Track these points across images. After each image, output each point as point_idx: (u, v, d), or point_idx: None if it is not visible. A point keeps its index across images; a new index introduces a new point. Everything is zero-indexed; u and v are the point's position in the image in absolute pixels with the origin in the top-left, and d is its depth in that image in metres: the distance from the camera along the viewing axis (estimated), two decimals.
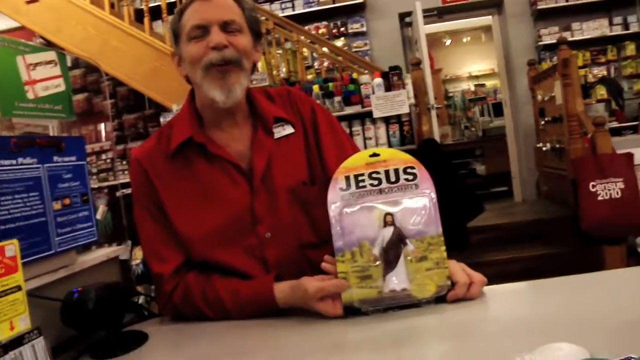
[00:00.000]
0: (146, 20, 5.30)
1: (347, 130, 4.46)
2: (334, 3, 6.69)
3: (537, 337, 0.92)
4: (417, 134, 4.49)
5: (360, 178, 1.25)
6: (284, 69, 5.74)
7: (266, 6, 6.58)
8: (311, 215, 1.42)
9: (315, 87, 4.53)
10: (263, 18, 5.36)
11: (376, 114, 4.37)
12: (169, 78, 4.90)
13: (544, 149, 5.64)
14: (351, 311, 1.19)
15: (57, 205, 1.23)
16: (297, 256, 1.41)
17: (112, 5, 5.54)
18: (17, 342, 0.94)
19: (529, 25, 6.70)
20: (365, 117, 4.50)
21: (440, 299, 1.19)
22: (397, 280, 1.18)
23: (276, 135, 1.45)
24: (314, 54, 6.13)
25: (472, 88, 10.98)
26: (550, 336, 0.90)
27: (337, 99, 4.49)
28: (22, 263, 0.99)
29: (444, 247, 1.20)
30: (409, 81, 4.47)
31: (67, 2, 5.36)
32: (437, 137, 4.99)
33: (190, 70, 1.40)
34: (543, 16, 6.58)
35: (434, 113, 5.17)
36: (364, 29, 6.81)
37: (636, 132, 5.42)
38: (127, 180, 1.84)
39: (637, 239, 3.94)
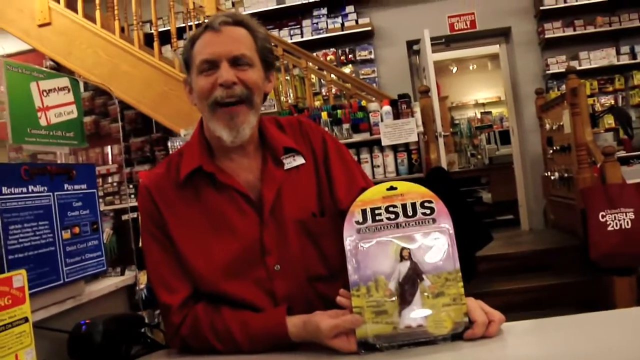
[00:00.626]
0: (156, 44, 5.33)
1: (356, 158, 4.44)
2: (342, 30, 6.73)
3: None
4: (426, 162, 4.47)
5: (377, 212, 1.23)
6: (291, 95, 5.75)
7: (275, 32, 6.63)
8: (321, 247, 1.40)
9: (324, 114, 4.53)
10: (272, 45, 5.37)
11: (385, 142, 4.36)
12: (177, 102, 4.92)
13: (552, 177, 5.62)
14: (365, 347, 1.15)
15: (66, 234, 1.20)
16: (306, 289, 1.38)
17: (122, 30, 5.59)
18: None
19: (536, 54, 6.72)
20: (373, 144, 4.50)
21: (456, 336, 1.15)
22: (413, 316, 1.15)
23: (286, 166, 1.43)
24: (322, 81, 6.14)
25: (479, 116, 10.98)
26: None
27: (346, 126, 4.49)
28: (29, 294, 0.96)
29: (461, 283, 1.17)
30: (417, 109, 4.47)
31: (77, 26, 5.40)
32: (444, 165, 4.97)
33: (199, 103, 1.39)
34: (550, 45, 6.60)
35: (441, 141, 5.16)
36: (372, 56, 6.84)
37: None
38: (134, 203, 1.83)
39: None
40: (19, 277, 0.94)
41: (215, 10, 5.26)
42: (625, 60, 6.53)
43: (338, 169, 1.47)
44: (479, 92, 11.09)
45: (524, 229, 6.83)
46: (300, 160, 1.45)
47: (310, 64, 5.45)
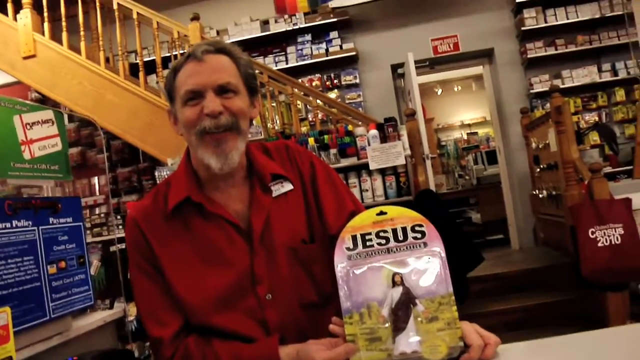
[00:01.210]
0: (141, 74, 5.33)
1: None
2: (327, 56, 6.77)
3: None
4: (414, 185, 4.47)
5: (367, 237, 1.21)
6: (278, 122, 5.76)
7: (260, 59, 6.66)
8: (312, 274, 1.38)
9: (311, 140, 4.53)
10: (257, 72, 5.39)
11: (372, 166, 4.36)
12: (163, 132, 4.90)
13: (540, 196, 5.64)
14: None
15: (52, 269, 1.18)
16: (299, 317, 1.36)
17: (107, 60, 5.60)
18: None
19: (519, 74, 6.79)
20: (361, 169, 4.50)
21: None
22: (407, 342, 1.13)
23: (275, 193, 1.42)
24: (308, 106, 6.17)
25: (465, 136, 11.05)
26: None
27: (333, 151, 4.49)
28: (14, 331, 0.93)
29: (455, 307, 1.16)
30: (404, 132, 4.48)
31: (62, 57, 5.40)
32: (432, 187, 4.98)
33: (185, 133, 1.37)
34: (533, 64, 6.69)
35: (429, 163, 5.18)
36: (357, 80, 6.88)
37: (631, 176, 5.43)
38: (122, 234, 1.80)
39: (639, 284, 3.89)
40: (3, 315, 0.92)
41: (200, 39, 5.28)
42: (607, 77, 6.62)
43: (327, 193, 1.46)
44: (464, 113, 11.17)
45: (514, 247, 6.84)
46: (288, 187, 1.43)
47: (296, 90, 5.47)
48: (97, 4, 5.52)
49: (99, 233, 5.52)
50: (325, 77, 6.96)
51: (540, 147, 5.54)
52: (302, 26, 6.83)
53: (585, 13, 6.54)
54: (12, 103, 1.24)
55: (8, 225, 1.08)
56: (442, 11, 6.85)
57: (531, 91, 6.63)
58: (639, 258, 3.93)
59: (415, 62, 5.80)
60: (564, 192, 4.69)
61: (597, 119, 6.72)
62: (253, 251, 1.35)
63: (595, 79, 6.62)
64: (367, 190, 4.43)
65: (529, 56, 6.54)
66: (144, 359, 1.50)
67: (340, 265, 1.19)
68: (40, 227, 1.16)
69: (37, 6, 5.57)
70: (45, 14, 5.49)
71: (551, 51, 6.57)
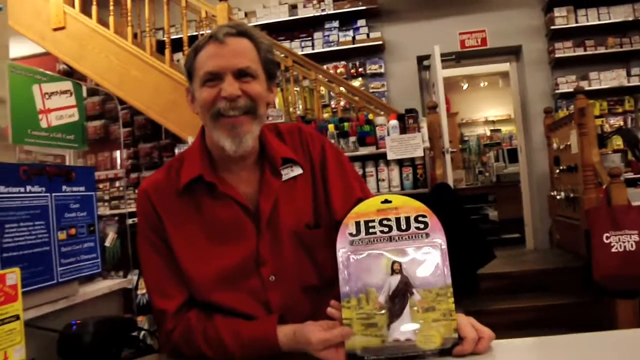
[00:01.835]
0: (167, 52, 5.38)
1: (361, 171, 4.47)
2: (353, 43, 6.76)
3: None
4: (431, 178, 4.47)
5: (370, 224, 1.23)
6: (300, 107, 5.78)
7: (286, 44, 6.67)
8: (315, 258, 1.40)
9: (331, 127, 4.54)
10: (282, 55, 5.42)
11: (390, 156, 4.37)
12: (185, 110, 4.92)
13: (557, 197, 5.60)
14: (354, 359, 1.15)
15: (62, 235, 1.22)
16: (300, 299, 1.39)
17: (134, 36, 5.65)
18: None
19: (546, 73, 6.72)
20: (379, 158, 4.50)
21: (445, 352, 1.15)
22: (402, 330, 1.15)
23: (284, 177, 1.43)
24: (331, 93, 6.17)
25: (488, 133, 10.98)
26: None
27: (352, 139, 4.51)
28: (22, 292, 0.97)
29: (452, 299, 1.17)
30: (424, 124, 4.47)
31: (91, 31, 5.47)
32: (450, 182, 4.97)
33: (201, 113, 1.39)
34: (561, 65, 6.61)
35: (448, 157, 5.16)
36: (382, 70, 6.87)
37: None
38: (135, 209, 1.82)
39: None
40: (13, 275, 0.95)
41: (227, 20, 5.31)
42: (635, 81, 6.52)
43: (335, 180, 1.47)
44: (489, 110, 11.10)
45: (529, 247, 6.81)
46: (298, 171, 1.45)
47: (320, 76, 5.48)
48: None
49: (116, 206, 5.59)
50: (350, 64, 6.95)
51: (561, 148, 5.49)
52: (330, 12, 6.83)
53: (618, 15, 6.43)
54: (32, 72, 1.27)
55: (22, 190, 1.12)
56: (472, 5, 6.78)
57: (556, 91, 6.56)
58: None
59: (442, 55, 5.76)
60: (581, 195, 4.66)
61: (622, 123, 6.63)
62: (259, 233, 1.37)
63: (623, 82, 6.52)
64: (383, 180, 4.44)
65: (556, 56, 6.46)
66: (152, 332, 1.54)
67: (342, 250, 1.21)
68: (53, 194, 1.20)
69: None
70: None
71: (580, 52, 6.48)
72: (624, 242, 3.94)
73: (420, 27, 6.83)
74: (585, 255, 4.25)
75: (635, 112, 6.69)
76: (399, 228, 1.23)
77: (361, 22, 6.83)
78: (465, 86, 10.97)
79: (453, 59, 6.93)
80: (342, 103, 5.87)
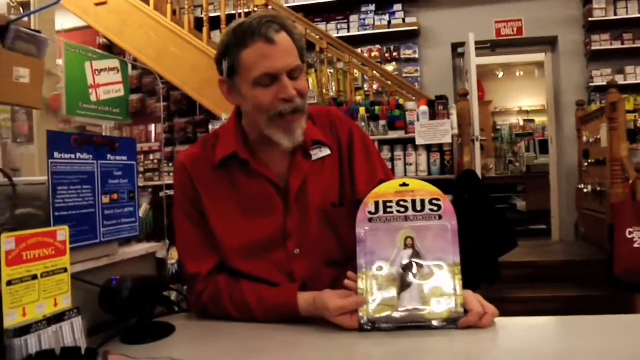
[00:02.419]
0: (205, 29, 5.48)
1: (389, 155, 4.53)
2: (388, 28, 6.80)
3: None
4: (458, 164, 4.52)
5: (388, 204, 1.33)
6: (334, 88, 5.85)
7: (322, 25, 6.72)
8: (338, 234, 1.50)
9: (362, 109, 4.61)
10: (317, 37, 5.49)
11: (418, 141, 4.43)
12: None
13: (584, 190, 5.61)
14: (366, 325, 1.26)
15: (105, 199, 1.33)
16: (322, 272, 1.49)
17: (173, 12, 5.77)
18: (58, 317, 1.04)
19: (581, 65, 6.67)
20: (407, 142, 4.57)
21: (450, 323, 1.25)
22: (410, 299, 1.25)
23: (313, 157, 1.52)
24: (365, 76, 6.23)
25: (521, 122, 10.90)
26: None
27: (382, 122, 4.57)
28: (70, 248, 1.09)
29: (459, 276, 1.26)
30: (453, 111, 4.52)
31: (131, 6, 5.60)
32: (478, 169, 5.01)
33: (253, 113, 1.43)
34: (596, 57, 6.54)
35: (477, 145, 5.20)
36: (416, 55, 6.89)
37: None
38: (171, 181, 1.94)
39: None
40: (62, 232, 1.07)
41: (265, 0, 5.39)
42: None
43: (361, 162, 1.55)
44: (523, 99, 11.00)
45: (554, 239, 6.82)
46: (326, 152, 1.54)
47: (354, 59, 5.54)
48: None
49: (150, 178, 5.77)
50: (384, 48, 6.98)
51: (590, 141, 5.49)
52: None
53: None
54: (85, 50, 1.38)
55: (72, 156, 1.23)
56: None
57: (590, 84, 6.51)
58: None
59: (476, 42, 5.78)
60: (608, 188, 4.67)
61: None
62: (288, 209, 1.47)
63: None
64: (410, 164, 4.51)
65: (592, 48, 6.40)
66: (181, 299, 1.65)
67: (361, 225, 1.32)
68: (99, 161, 1.31)
69: None
70: None
71: (617, 45, 6.40)
72: None
73: (456, 14, 6.82)
74: (608, 248, 4.27)
75: None
76: (414, 209, 1.32)
77: (397, 7, 6.85)
78: (500, 74, 10.88)
79: (488, 47, 6.92)
80: (374, 86, 5.93)
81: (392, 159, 4.53)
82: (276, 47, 1.36)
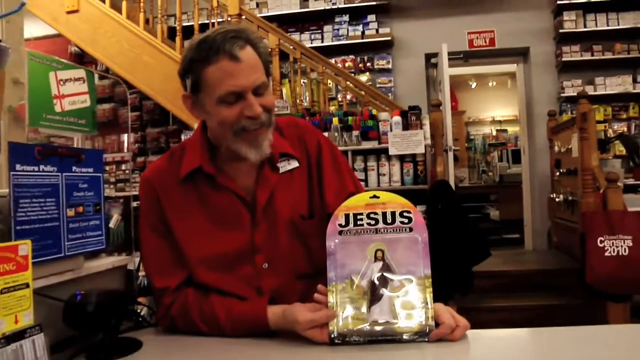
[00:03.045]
0: (178, 39, 5.45)
1: (362, 165, 4.54)
2: (362, 38, 6.82)
3: None
4: (431, 175, 4.54)
5: (359, 217, 1.32)
6: (307, 99, 5.85)
7: (296, 35, 6.73)
8: (308, 247, 1.48)
9: (335, 120, 4.62)
10: (291, 47, 5.48)
11: (392, 151, 4.43)
12: None
13: (557, 199, 5.67)
14: (336, 339, 1.24)
15: (70, 212, 1.30)
16: (291, 285, 1.47)
17: (147, 22, 5.72)
18: (19, 335, 1.01)
19: (552, 76, 6.76)
20: (381, 153, 4.57)
21: (422, 337, 1.24)
22: (381, 313, 1.24)
23: (281, 170, 1.51)
24: (338, 86, 6.24)
25: (494, 133, 11.01)
26: None
27: (355, 133, 4.57)
28: (32, 262, 1.06)
29: (430, 289, 1.26)
30: (427, 122, 4.54)
31: (104, 15, 5.54)
32: (451, 179, 5.04)
33: (218, 129, 1.41)
34: (567, 68, 6.64)
35: (450, 155, 5.22)
36: (390, 66, 6.92)
37: None
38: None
39: None
40: (24, 247, 1.04)
41: (239, 10, 5.37)
42: None
43: (330, 174, 1.54)
44: (496, 110, 11.10)
45: (528, 248, 6.88)
46: (294, 164, 1.53)
47: (328, 69, 5.54)
48: None
49: (122, 188, 5.68)
50: (358, 59, 7.00)
51: (562, 151, 5.55)
52: (340, 6, 6.86)
53: (627, 21, 6.43)
54: (49, 60, 1.35)
55: (36, 168, 1.20)
56: (482, 5, 6.81)
57: (562, 95, 6.60)
58: None
59: (450, 53, 5.82)
60: (580, 198, 4.72)
61: (625, 129, 6.67)
62: (255, 222, 1.46)
63: (629, 89, 6.55)
64: (384, 175, 4.51)
65: (564, 59, 6.49)
66: (152, 313, 1.62)
67: (331, 238, 1.31)
68: (64, 173, 1.28)
69: None
70: None
71: (587, 56, 6.51)
72: (617, 247, 4.01)
73: (429, 25, 6.87)
74: (580, 257, 4.32)
75: (639, 118, 6.73)
76: (385, 221, 1.32)
77: (371, 17, 6.87)
78: (473, 85, 10.99)
79: (461, 57, 6.98)
80: (348, 97, 5.94)
81: (365, 170, 4.54)
82: (241, 65, 1.33)
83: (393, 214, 1.32)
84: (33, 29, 6.06)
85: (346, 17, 6.91)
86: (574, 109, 6.42)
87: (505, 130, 10.99)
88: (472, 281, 4.22)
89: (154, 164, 1.55)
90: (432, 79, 7.04)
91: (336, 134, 4.54)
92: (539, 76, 6.78)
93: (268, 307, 1.36)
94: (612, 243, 4.02)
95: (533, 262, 5.97)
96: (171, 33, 5.90)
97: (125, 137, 6.85)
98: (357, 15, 6.94)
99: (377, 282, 1.26)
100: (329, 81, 5.86)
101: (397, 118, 4.49)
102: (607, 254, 4.02)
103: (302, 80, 5.79)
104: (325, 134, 4.28)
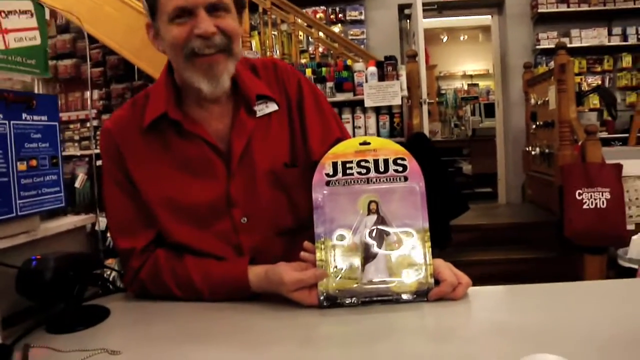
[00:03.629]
0: None
1: None
2: None
3: (521, 345, 0.87)
4: (407, 127, 4.45)
5: (348, 165, 1.19)
6: (278, 51, 5.65)
7: None
8: (291, 199, 1.35)
9: (308, 71, 4.49)
10: None
11: (367, 103, 4.34)
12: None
13: (532, 153, 5.62)
14: (327, 301, 1.12)
15: (22, 166, 1.15)
16: (273, 242, 1.34)
17: None
18: None
19: (528, 28, 6.67)
20: (356, 105, 4.47)
21: (420, 296, 1.13)
22: (376, 271, 1.12)
23: (259, 114, 1.35)
24: (310, 38, 6.04)
25: (465, 87, 10.96)
26: (535, 345, 0.85)
27: (330, 84, 4.46)
28: None
29: (429, 243, 1.14)
30: (403, 72, 4.42)
31: None
32: (426, 132, 4.94)
33: (171, 53, 1.28)
34: (543, 20, 6.55)
35: (425, 108, 5.12)
36: (362, 17, 6.74)
37: (626, 143, 5.41)
38: None
39: (618, 250, 3.92)
40: None
41: None
42: (616, 41, 6.52)
43: (313, 118, 1.40)
44: (467, 64, 11.06)
45: (501, 202, 6.88)
46: (273, 107, 1.38)
47: (299, 20, 5.34)
48: None
49: (87, 147, 5.49)
50: (330, 10, 6.79)
51: (538, 103, 5.48)
52: None
53: None
54: None
55: None
56: None
57: (537, 47, 6.53)
58: (622, 224, 3.96)
59: (424, 4, 5.64)
60: (557, 151, 4.68)
61: (600, 82, 6.64)
62: (231, 173, 1.31)
63: (603, 41, 6.51)
64: (359, 128, 4.44)
65: (539, 10, 6.39)
66: (121, 275, 1.48)
67: (318, 190, 1.17)
68: (11, 122, 1.12)
69: None
70: None
71: (563, 8, 6.42)
72: (595, 199, 3.98)
73: None
74: (558, 211, 4.29)
75: (613, 71, 6.71)
76: (377, 170, 1.19)
77: None
78: (445, 39, 10.88)
79: (435, 8, 6.82)
80: (320, 49, 5.75)
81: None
82: None
83: (386, 161, 1.19)
84: None
85: None
86: (548, 61, 6.36)
87: (477, 85, 10.97)
88: (450, 235, 4.18)
89: (115, 113, 1.40)
90: (406, 31, 6.89)
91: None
92: (514, 28, 6.68)
93: (249, 267, 1.24)
94: (590, 195, 3.99)
95: (508, 215, 5.97)
96: None
97: (88, 93, 6.63)
98: None
99: (371, 237, 1.13)
100: (300, 33, 5.66)
101: (373, 69, 4.37)
102: (585, 206, 4.00)
103: (272, 33, 5.57)
104: None
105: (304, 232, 1.24)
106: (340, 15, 6.75)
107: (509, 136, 6.77)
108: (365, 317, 1.08)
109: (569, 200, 4.03)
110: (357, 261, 1.13)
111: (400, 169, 1.19)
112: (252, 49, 5.00)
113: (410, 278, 1.13)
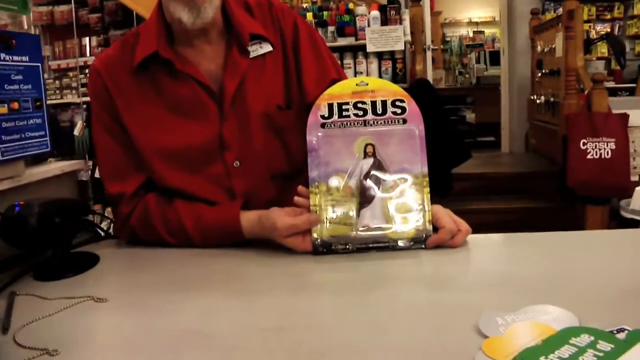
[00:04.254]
0: None
1: (339, 63, 4.33)
2: None
3: (522, 295, 0.84)
4: (410, 73, 4.36)
5: (344, 107, 1.14)
6: None
7: None
8: (285, 142, 1.30)
9: (309, 15, 4.39)
10: None
11: (370, 48, 4.26)
12: None
13: (537, 101, 5.53)
14: (321, 247, 1.09)
15: (3, 109, 1.10)
16: (266, 187, 1.30)
17: None
18: None
19: None
20: (358, 50, 4.39)
21: (418, 243, 1.09)
22: (372, 217, 1.08)
23: (252, 54, 1.29)
24: None
25: (471, 34, 10.76)
26: (536, 296, 0.81)
27: (331, 28, 4.37)
28: None
29: (427, 189, 1.10)
30: (406, 17, 4.32)
31: None
32: (429, 79, 4.85)
33: None
34: None
35: (429, 54, 5.02)
36: None
37: (633, 94, 5.32)
38: None
39: (620, 201, 3.88)
40: None
41: None
42: None
43: (309, 58, 1.34)
44: (473, 11, 10.82)
45: (504, 151, 6.80)
46: (267, 48, 1.31)
47: None
48: None
49: (84, 93, 5.42)
50: None
51: (545, 51, 5.35)
52: None
53: None
54: None
55: None
56: None
57: None
58: (626, 175, 3.90)
59: None
60: (562, 100, 4.59)
61: (609, 30, 6.47)
62: (223, 115, 1.26)
63: None
64: (361, 73, 4.39)
65: None
66: (112, 222, 1.45)
67: (313, 132, 1.13)
68: None
69: None
70: None
71: None
72: (600, 149, 3.91)
73: None
74: (561, 160, 4.23)
75: (624, 19, 6.53)
76: (374, 112, 1.14)
77: None
78: None
79: None
80: None
81: (341, 67, 4.33)
82: None
83: (384, 103, 1.14)
84: None
85: None
86: (557, 8, 6.19)
87: (482, 32, 10.76)
88: (451, 183, 4.14)
89: (104, 52, 1.34)
90: None
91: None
92: None
93: (241, 213, 1.20)
94: (595, 146, 3.92)
95: (510, 164, 5.92)
96: None
97: (87, 40, 6.53)
98: None
99: (367, 181, 1.09)
100: None
101: (375, 12, 4.27)
102: (589, 156, 3.93)
103: None
104: None
105: (298, 176, 1.20)
106: None
107: (513, 84, 6.64)
108: (360, 264, 1.05)
109: (573, 150, 3.96)
110: (352, 206, 1.09)
111: (399, 111, 1.14)
112: None
113: (407, 224, 1.09)
